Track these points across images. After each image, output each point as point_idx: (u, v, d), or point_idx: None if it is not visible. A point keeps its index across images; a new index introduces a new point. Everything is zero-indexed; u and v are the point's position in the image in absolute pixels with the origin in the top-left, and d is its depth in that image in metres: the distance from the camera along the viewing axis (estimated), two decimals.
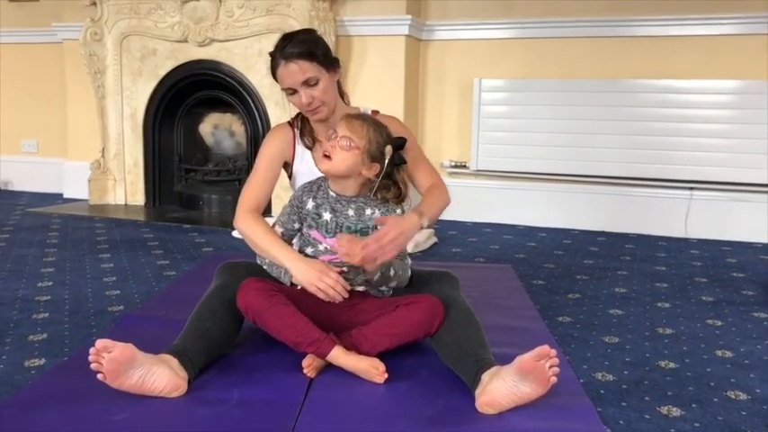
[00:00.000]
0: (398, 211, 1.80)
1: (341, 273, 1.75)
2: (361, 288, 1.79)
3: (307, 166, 1.97)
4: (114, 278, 2.66)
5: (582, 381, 1.69)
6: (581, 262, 3.07)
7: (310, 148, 1.97)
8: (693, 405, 1.57)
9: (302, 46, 1.85)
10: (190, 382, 1.56)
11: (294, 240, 1.90)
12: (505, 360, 1.52)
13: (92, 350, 1.45)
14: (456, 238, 3.62)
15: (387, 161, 1.75)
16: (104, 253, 3.10)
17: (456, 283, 1.86)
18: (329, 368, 1.66)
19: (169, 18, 4.17)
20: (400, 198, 1.80)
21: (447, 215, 4.07)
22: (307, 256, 1.80)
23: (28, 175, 5.13)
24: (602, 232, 3.79)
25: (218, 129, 4.53)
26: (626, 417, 1.50)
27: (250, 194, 1.92)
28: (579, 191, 3.90)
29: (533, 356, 1.43)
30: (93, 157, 4.49)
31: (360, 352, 1.65)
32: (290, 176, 2.04)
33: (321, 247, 1.79)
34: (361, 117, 1.80)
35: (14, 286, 2.51)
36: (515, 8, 3.92)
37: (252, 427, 1.41)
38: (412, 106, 4.02)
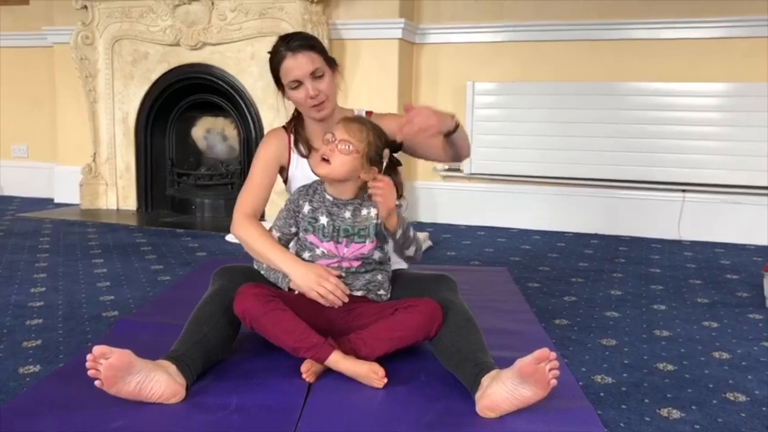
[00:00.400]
0: (397, 202, 1.79)
1: (339, 277, 1.75)
2: (359, 293, 1.78)
3: (302, 171, 1.96)
4: (108, 283, 2.63)
5: (581, 383, 1.69)
6: (576, 264, 3.08)
7: (306, 157, 1.96)
8: (693, 407, 1.57)
9: (308, 40, 1.90)
10: (188, 388, 1.55)
11: (291, 245, 1.89)
12: (505, 363, 1.52)
13: (89, 356, 1.44)
14: (450, 241, 3.62)
15: (385, 164, 1.75)
16: (97, 258, 3.07)
17: (454, 286, 1.85)
18: (328, 373, 1.65)
19: (161, 21, 4.15)
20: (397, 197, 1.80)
21: (441, 218, 4.13)
22: (304, 260, 1.79)
23: (18, 180, 5.09)
24: (596, 235, 3.80)
25: (211, 133, 4.52)
26: (626, 419, 1.50)
27: (246, 199, 1.91)
28: (572, 193, 3.91)
29: (533, 359, 1.43)
30: (83, 162, 4.47)
31: (359, 356, 1.64)
32: (285, 181, 2.03)
33: (318, 251, 1.78)
34: (359, 120, 1.80)
35: (7, 292, 2.48)
36: (507, 11, 3.93)
37: None
38: None
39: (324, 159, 1.72)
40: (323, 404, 1.53)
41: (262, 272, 1.83)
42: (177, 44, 4.14)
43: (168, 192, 4.47)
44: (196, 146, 4.56)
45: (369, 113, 2.01)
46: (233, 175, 4.32)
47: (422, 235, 3.40)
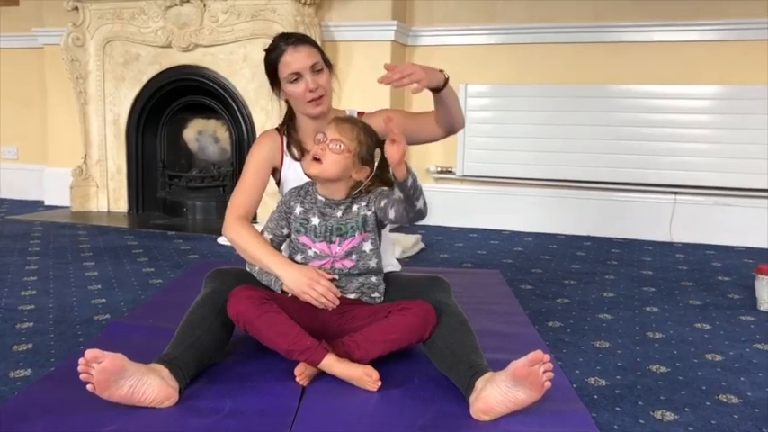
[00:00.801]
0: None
1: (332, 280, 1.74)
2: (353, 296, 1.78)
3: (295, 173, 1.96)
4: (99, 286, 2.62)
5: (575, 386, 1.69)
6: (568, 267, 3.08)
7: (298, 160, 1.95)
8: (687, 409, 1.57)
9: (307, 38, 1.95)
10: (181, 392, 1.53)
11: (283, 247, 1.89)
12: (499, 366, 1.51)
13: (81, 360, 1.42)
14: (443, 243, 3.62)
15: (376, 164, 1.75)
16: (88, 261, 3.05)
17: (448, 288, 1.84)
18: (322, 376, 1.64)
19: (153, 23, 4.14)
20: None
21: (433, 220, 4.12)
22: (297, 263, 1.78)
23: (8, 182, 5.06)
24: (588, 237, 3.81)
25: (203, 135, 4.50)
26: (620, 421, 1.50)
27: (238, 201, 1.91)
28: (565, 196, 3.92)
29: (527, 362, 1.43)
30: (74, 164, 4.44)
31: (352, 359, 1.64)
32: (278, 183, 2.03)
33: (311, 252, 1.78)
34: (350, 120, 1.80)
35: None
36: (500, 14, 3.93)
37: None
38: None
39: (315, 159, 1.72)
40: (317, 407, 1.52)
41: (254, 274, 1.83)
42: (169, 46, 4.12)
43: (159, 194, 4.45)
44: (188, 148, 4.54)
45: (360, 114, 2.02)
46: (225, 177, 4.31)
47: (414, 237, 3.40)
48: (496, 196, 4.04)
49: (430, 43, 4.04)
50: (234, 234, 1.84)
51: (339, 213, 1.77)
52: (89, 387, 1.44)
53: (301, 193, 1.83)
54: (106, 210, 4.46)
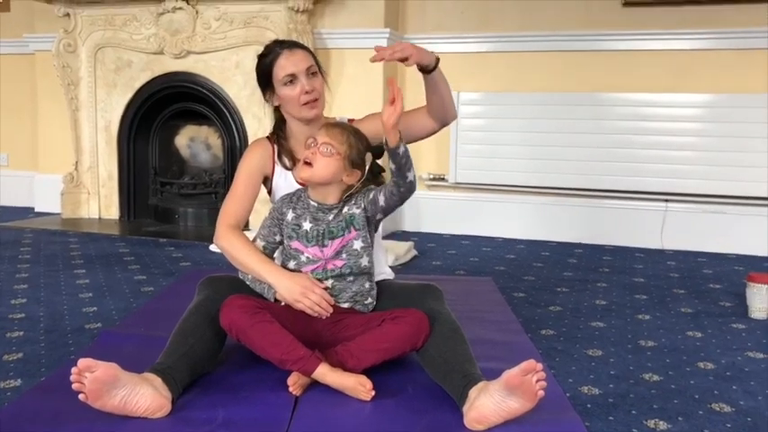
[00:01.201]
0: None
1: (326, 288, 1.74)
2: (346, 305, 1.77)
3: (286, 182, 1.95)
4: (90, 294, 2.60)
5: (568, 395, 1.69)
6: (560, 274, 3.09)
7: (289, 169, 1.95)
8: (680, 418, 1.58)
9: (300, 43, 1.98)
10: (174, 402, 1.53)
11: (276, 254, 1.88)
12: (492, 374, 1.51)
13: (74, 369, 1.42)
14: (435, 250, 3.62)
15: (367, 168, 1.76)
16: (79, 269, 3.04)
17: (441, 295, 1.84)
18: (315, 386, 1.64)
19: (145, 30, 4.13)
20: None
21: (425, 227, 4.12)
22: (290, 270, 1.78)
23: None
24: (580, 244, 3.82)
25: (195, 141, 4.49)
26: (614, 431, 1.51)
27: (230, 210, 1.90)
28: (556, 203, 3.93)
29: (520, 371, 1.43)
30: (65, 170, 4.42)
31: (345, 369, 1.63)
32: (269, 192, 2.02)
33: (303, 258, 1.77)
34: (340, 124, 1.83)
35: None
36: (492, 22, 3.95)
37: None
38: None
39: (306, 163, 1.73)
40: (310, 417, 1.52)
41: (247, 282, 1.82)
42: (161, 52, 4.11)
43: (151, 201, 4.44)
44: (179, 154, 4.53)
45: (351, 121, 2.02)
46: (217, 183, 4.30)
47: (406, 244, 3.40)
48: (489, 203, 4.05)
49: None
50: (226, 243, 1.84)
51: (331, 217, 1.77)
52: (81, 397, 1.43)
53: (293, 199, 1.83)
54: (97, 217, 4.43)
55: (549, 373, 1.78)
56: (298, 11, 3.76)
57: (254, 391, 1.64)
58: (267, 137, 2.03)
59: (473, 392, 1.50)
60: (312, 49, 3.65)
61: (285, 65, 1.89)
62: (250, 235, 1.88)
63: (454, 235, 4.05)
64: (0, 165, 5.04)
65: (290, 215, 1.80)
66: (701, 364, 1.95)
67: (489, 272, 3.12)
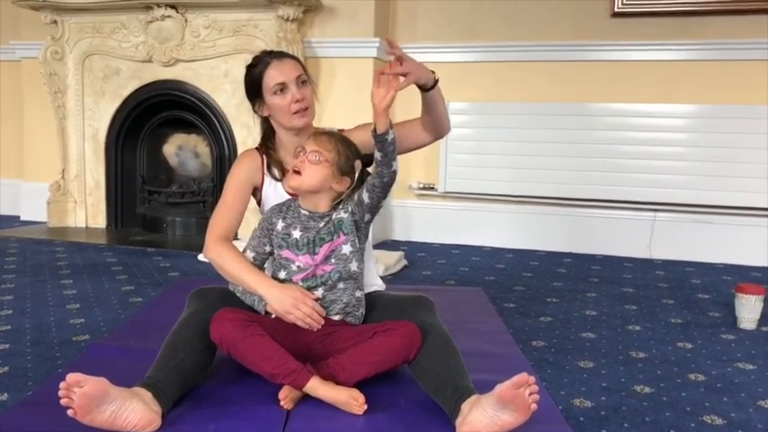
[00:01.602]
0: None
1: (317, 300, 1.73)
2: (337, 317, 1.76)
3: (276, 193, 1.94)
4: (78, 305, 2.57)
5: (561, 407, 1.69)
6: (550, 284, 3.09)
7: (279, 180, 1.94)
8: (672, 431, 1.58)
9: (290, 54, 1.97)
10: (164, 416, 1.51)
11: (266, 265, 1.87)
12: (484, 387, 1.50)
13: (62, 384, 1.39)
14: (425, 260, 3.61)
15: (357, 175, 1.75)
16: (66, 279, 3.00)
17: (432, 307, 1.83)
18: (307, 399, 1.62)
19: (133, 38, 4.11)
20: None
21: (415, 237, 4.12)
22: (280, 280, 1.77)
23: None
24: (569, 253, 3.83)
25: (183, 150, 4.47)
26: None
27: (219, 222, 1.89)
28: (545, 212, 3.94)
29: (513, 385, 1.42)
30: (51, 179, 4.38)
31: (337, 382, 1.62)
32: (258, 202, 2.01)
33: (294, 266, 1.76)
34: (328, 132, 1.82)
35: None
36: (480, 32, 3.96)
37: None
38: None
39: (295, 172, 1.72)
40: None
41: (238, 294, 1.81)
42: (149, 60, 4.09)
43: (139, 209, 4.41)
44: (167, 163, 4.51)
45: (340, 131, 2.01)
46: (205, 192, 4.28)
47: (396, 254, 3.39)
48: (478, 212, 4.06)
49: None
50: (215, 255, 1.82)
51: (322, 225, 1.76)
52: (70, 412, 1.40)
53: (283, 209, 1.82)
54: (84, 225, 4.40)
55: (542, 385, 1.77)
56: (287, 19, 3.76)
57: (245, 405, 1.62)
58: (256, 147, 2.02)
59: (465, 406, 1.49)
60: (302, 59, 3.72)
61: (275, 74, 1.88)
62: (239, 245, 1.87)
63: (444, 244, 4.05)
64: None
65: (279, 225, 1.79)
66: (692, 376, 1.95)
67: (479, 282, 3.12)
